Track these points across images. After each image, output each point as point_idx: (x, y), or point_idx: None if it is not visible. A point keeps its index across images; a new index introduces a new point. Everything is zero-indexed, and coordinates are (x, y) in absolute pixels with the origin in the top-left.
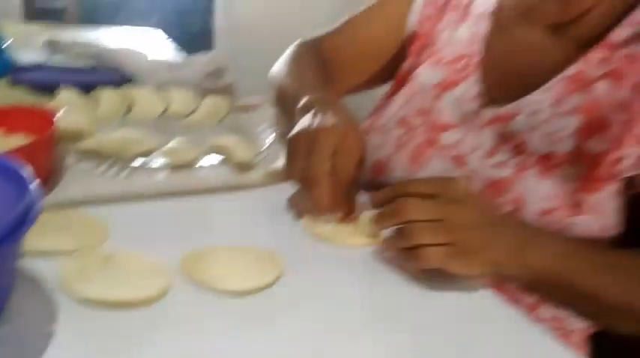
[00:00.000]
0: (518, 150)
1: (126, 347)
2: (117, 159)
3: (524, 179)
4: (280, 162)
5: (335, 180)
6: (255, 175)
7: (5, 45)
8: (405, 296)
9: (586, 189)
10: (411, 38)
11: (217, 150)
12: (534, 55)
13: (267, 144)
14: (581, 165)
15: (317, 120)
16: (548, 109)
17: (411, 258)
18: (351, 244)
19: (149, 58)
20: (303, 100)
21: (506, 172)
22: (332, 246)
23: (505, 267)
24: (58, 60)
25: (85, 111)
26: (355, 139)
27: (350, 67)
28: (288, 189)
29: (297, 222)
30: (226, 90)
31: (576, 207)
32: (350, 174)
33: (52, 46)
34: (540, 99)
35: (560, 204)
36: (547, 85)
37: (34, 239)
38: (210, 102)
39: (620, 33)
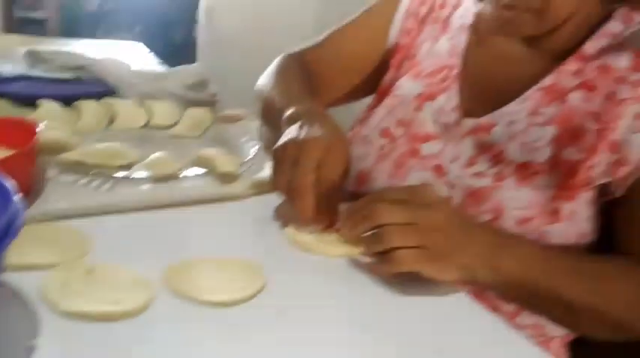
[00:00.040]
0: (497, 159)
1: None
2: (99, 171)
3: (503, 188)
4: (264, 173)
5: (319, 191)
6: (238, 187)
7: None
8: (389, 306)
9: (562, 197)
10: (393, 50)
11: (200, 161)
12: (511, 66)
13: (251, 156)
14: (557, 173)
15: (303, 132)
16: (525, 119)
17: (385, 261)
18: (334, 254)
19: (131, 69)
20: (289, 111)
21: (485, 182)
22: (315, 256)
23: (479, 272)
24: (39, 71)
25: (67, 123)
26: (340, 151)
27: (333, 80)
28: (272, 200)
29: (281, 232)
30: (209, 102)
31: (553, 215)
32: (335, 186)
33: (33, 57)
34: (517, 109)
35: (538, 212)
36: (523, 96)
37: (15, 252)
38: (193, 114)
39: (593, 45)
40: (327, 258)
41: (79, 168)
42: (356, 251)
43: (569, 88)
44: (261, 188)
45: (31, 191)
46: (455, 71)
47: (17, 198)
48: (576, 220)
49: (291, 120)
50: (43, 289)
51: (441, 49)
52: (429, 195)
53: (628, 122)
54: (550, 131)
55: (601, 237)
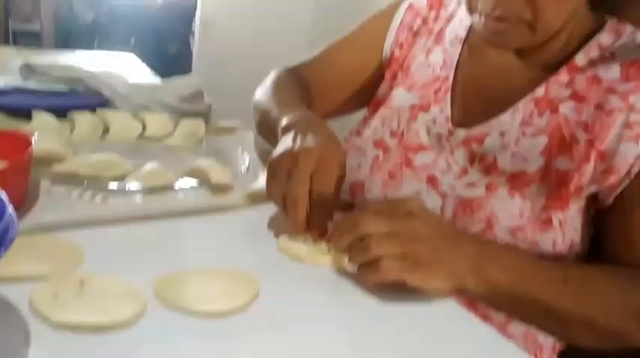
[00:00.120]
0: (489, 169)
1: None
2: (93, 182)
3: (495, 198)
4: (257, 184)
5: (313, 201)
6: (232, 198)
7: None
8: (382, 316)
9: (554, 206)
10: (388, 62)
11: (194, 172)
12: (503, 78)
13: (244, 167)
14: (549, 183)
15: (297, 143)
16: (517, 130)
17: (369, 271)
18: (326, 264)
19: (127, 82)
20: (285, 122)
21: (477, 192)
22: (307, 266)
23: (467, 281)
24: (34, 84)
25: (61, 134)
26: (334, 161)
27: (329, 92)
28: (265, 211)
29: (273, 243)
30: (203, 113)
31: (545, 224)
32: (328, 196)
33: (29, 69)
34: (509, 120)
35: (530, 221)
36: (515, 107)
37: (7, 264)
38: (187, 125)
39: (583, 56)
40: (320, 267)
41: (73, 179)
42: (346, 261)
43: (560, 99)
44: (254, 199)
45: (24, 202)
46: (448, 82)
47: (10, 209)
48: (567, 229)
49: (286, 131)
50: (34, 300)
51: (435, 60)
52: (413, 205)
53: (617, 131)
54: (542, 141)
55: (591, 247)
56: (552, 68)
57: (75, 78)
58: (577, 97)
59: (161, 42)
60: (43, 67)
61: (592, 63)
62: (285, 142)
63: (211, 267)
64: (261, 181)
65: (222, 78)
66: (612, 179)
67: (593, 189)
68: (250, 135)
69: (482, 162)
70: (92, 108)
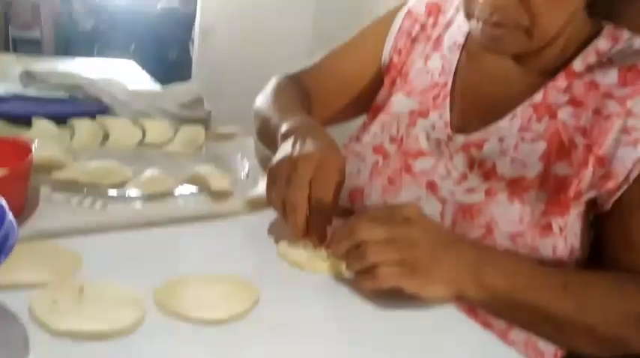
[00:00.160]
0: (489, 175)
1: None
2: (92, 189)
3: (495, 203)
4: (257, 190)
5: (312, 206)
6: (231, 204)
7: None
8: (382, 321)
9: (554, 212)
10: (387, 68)
11: (194, 179)
12: (502, 83)
13: (244, 173)
14: (548, 188)
15: (296, 149)
16: (516, 135)
17: (366, 278)
18: (325, 270)
19: (127, 89)
20: (285, 128)
21: (477, 197)
22: (307, 272)
23: (467, 287)
24: (34, 91)
25: (61, 141)
26: (333, 167)
27: (329, 98)
28: (265, 217)
29: (273, 249)
30: (203, 120)
31: (545, 229)
32: (327, 202)
33: (29, 77)
34: (508, 125)
35: (529, 227)
36: (514, 112)
37: (7, 271)
38: (186, 132)
39: (581, 62)
40: (319, 274)
41: (73, 186)
42: (344, 268)
43: (558, 104)
44: (254, 205)
45: (24, 209)
46: (447, 88)
47: (10, 217)
48: (567, 235)
49: (286, 137)
50: (34, 307)
51: (433, 66)
52: (410, 211)
53: (615, 136)
54: (540, 146)
55: (591, 253)
56: (550, 74)
57: (75, 85)
58: (575, 103)
59: (161, 49)
60: (43, 75)
61: (589, 68)
62: (285, 148)
63: (211, 273)
64: (260, 187)
65: (222, 84)
66: (611, 184)
67: (592, 194)
68: (250, 142)
69: (481, 167)
70: (92, 115)
